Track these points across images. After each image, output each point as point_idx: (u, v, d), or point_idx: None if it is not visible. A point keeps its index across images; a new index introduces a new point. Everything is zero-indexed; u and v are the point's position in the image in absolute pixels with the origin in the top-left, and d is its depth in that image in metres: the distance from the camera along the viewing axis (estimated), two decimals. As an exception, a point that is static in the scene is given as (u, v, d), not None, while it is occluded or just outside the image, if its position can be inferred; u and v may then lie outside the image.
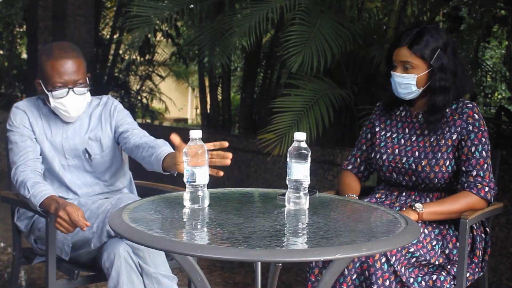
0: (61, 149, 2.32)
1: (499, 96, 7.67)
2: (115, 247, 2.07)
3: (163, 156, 2.02)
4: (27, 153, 2.24)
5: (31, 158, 2.24)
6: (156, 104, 10.18)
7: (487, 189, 2.10)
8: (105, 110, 2.40)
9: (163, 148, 2.08)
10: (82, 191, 2.34)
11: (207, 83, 6.64)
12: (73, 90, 2.20)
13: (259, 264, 1.85)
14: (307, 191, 1.73)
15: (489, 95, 7.30)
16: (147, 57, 8.71)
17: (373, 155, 2.30)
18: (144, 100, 9.14)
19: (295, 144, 1.72)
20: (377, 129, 2.33)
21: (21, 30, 9.47)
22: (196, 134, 1.66)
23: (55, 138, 2.32)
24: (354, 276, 1.98)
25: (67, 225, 1.99)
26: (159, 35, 7.25)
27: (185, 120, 12.64)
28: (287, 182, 1.73)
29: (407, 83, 2.15)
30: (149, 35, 4.98)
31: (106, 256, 2.09)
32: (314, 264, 2.06)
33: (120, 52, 8.82)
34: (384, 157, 2.25)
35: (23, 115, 2.30)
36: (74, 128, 2.35)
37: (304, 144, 1.71)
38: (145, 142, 2.20)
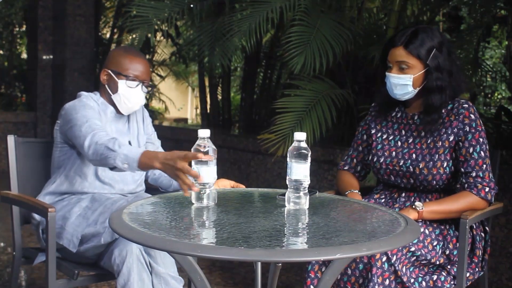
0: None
1: (499, 96, 7.67)
2: (127, 244, 2.06)
3: None
4: (103, 130, 2.14)
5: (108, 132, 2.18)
6: (155, 104, 10.19)
7: (487, 189, 2.10)
8: (139, 114, 2.50)
9: None
10: (119, 186, 2.35)
11: (207, 83, 6.64)
12: (142, 86, 2.34)
13: (259, 264, 1.86)
14: (307, 191, 1.73)
15: (489, 95, 7.32)
16: (147, 57, 8.70)
17: (370, 157, 2.29)
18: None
19: (295, 144, 1.72)
20: (373, 131, 2.32)
21: (21, 30, 9.47)
22: (204, 133, 1.74)
23: (120, 136, 2.34)
24: (358, 275, 1.99)
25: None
26: (159, 35, 7.25)
27: (185, 120, 12.63)
28: (287, 182, 1.74)
29: (403, 83, 2.13)
30: (149, 35, 4.98)
31: (118, 253, 2.08)
32: (314, 261, 2.06)
33: (120, 52, 8.79)
34: (382, 160, 2.24)
35: (93, 107, 2.27)
36: (129, 125, 2.42)
37: (304, 144, 1.71)
38: None
